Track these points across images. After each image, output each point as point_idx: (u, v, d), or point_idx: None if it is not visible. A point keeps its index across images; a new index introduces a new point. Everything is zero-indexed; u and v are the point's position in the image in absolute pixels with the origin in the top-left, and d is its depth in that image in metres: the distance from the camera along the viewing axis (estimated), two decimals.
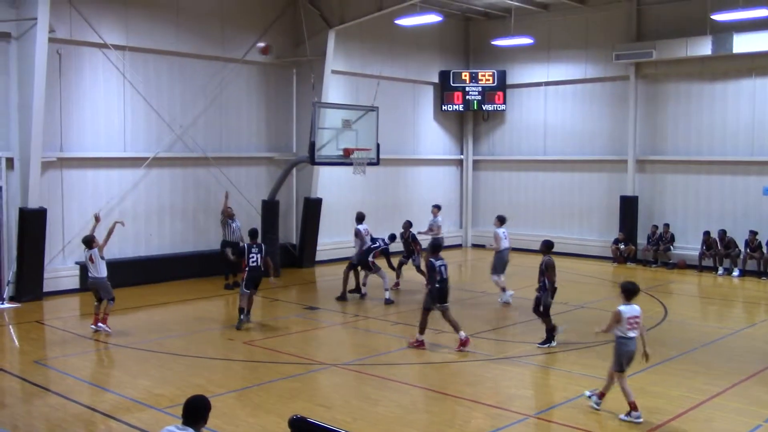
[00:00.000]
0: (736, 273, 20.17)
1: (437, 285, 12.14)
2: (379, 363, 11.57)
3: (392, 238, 17.23)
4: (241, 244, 17.81)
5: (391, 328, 14.07)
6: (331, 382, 10.74)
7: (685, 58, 21.09)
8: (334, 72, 21.05)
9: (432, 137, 25.78)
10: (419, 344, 12.32)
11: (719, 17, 19.01)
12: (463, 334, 12.21)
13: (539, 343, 12.41)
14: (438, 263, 12.25)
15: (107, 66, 17.56)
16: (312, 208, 20.91)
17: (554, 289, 12.52)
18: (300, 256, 21.01)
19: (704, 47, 20.40)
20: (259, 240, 14.87)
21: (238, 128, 20.36)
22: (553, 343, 12.38)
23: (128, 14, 17.78)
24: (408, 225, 18.01)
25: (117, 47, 17.59)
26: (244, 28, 20.11)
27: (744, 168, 20.75)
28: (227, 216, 17.88)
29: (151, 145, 18.37)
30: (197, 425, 5.29)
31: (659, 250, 21.82)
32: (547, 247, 12.84)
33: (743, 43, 19.77)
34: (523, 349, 12.45)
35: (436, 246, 13.29)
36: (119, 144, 17.93)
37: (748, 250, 20.08)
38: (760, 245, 19.92)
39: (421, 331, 12.34)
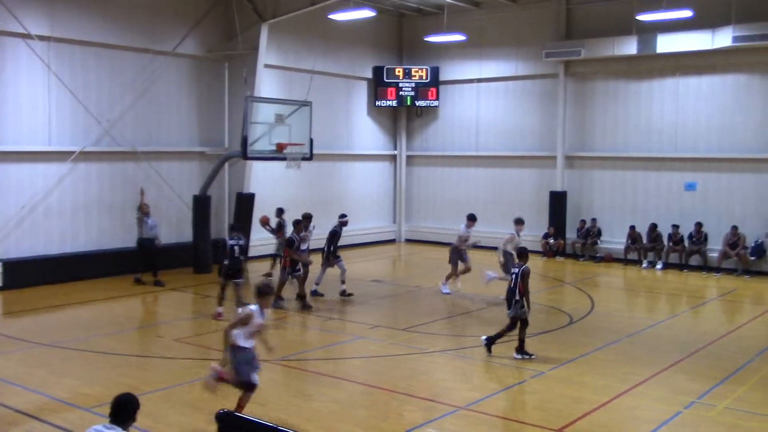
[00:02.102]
0: (659, 266, 20.86)
1: (226, 262, 13.84)
2: (314, 358, 11.56)
3: (281, 212, 18.14)
4: (157, 241, 17.53)
5: (326, 323, 14.06)
6: (265, 378, 10.63)
7: (612, 56, 21.67)
8: (266, 66, 20.87)
9: (365, 132, 25.83)
10: (218, 315, 13.70)
11: (644, 17, 19.58)
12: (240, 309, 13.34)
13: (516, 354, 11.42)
14: (231, 242, 14.00)
15: (31, 57, 16.99)
16: (244, 204, 20.69)
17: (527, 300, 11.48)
18: None
19: (630, 47, 21.00)
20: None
21: (169, 122, 20.00)
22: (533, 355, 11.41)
23: (54, 3, 17.25)
24: (280, 212, 18.49)
25: (41, 38, 17.04)
26: (175, 21, 19.75)
27: (668, 164, 21.46)
28: (143, 213, 17.46)
29: (78, 139, 17.89)
30: (125, 424, 5.20)
31: (587, 244, 22.39)
32: (522, 254, 11.95)
33: (666, 43, 20.43)
34: (457, 342, 12.61)
35: (233, 226, 15.26)
36: (44, 137, 17.39)
37: (670, 244, 20.78)
38: (682, 239, 20.64)
39: (219, 303, 13.88)
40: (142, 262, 17.42)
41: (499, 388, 10.01)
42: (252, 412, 8.55)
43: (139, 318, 14.58)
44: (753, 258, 19.71)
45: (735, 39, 19.21)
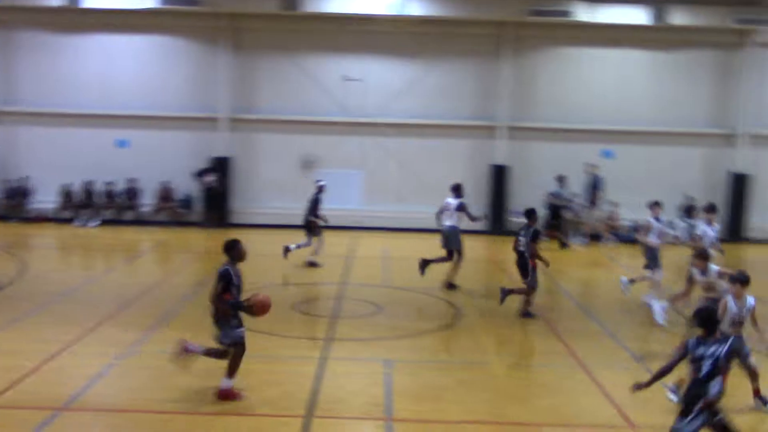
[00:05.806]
0: (94, 223, 20.78)
1: None
2: None
3: None
4: None
5: None
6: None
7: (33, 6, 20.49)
8: None
9: None
10: None
11: None
12: None
13: None
14: None
15: None
16: None
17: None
18: None
19: None
20: None
21: None
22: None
23: None
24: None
25: None
26: None
27: (97, 121, 21.22)
28: None
29: None
30: None
31: (16, 204, 21.04)
32: None
33: None
34: None
35: None
36: None
37: (106, 200, 20.91)
38: (115, 195, 20.94)
39: None
40: None
41: None
42: None
43: None
44: (182, 210, 21.08)
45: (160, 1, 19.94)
